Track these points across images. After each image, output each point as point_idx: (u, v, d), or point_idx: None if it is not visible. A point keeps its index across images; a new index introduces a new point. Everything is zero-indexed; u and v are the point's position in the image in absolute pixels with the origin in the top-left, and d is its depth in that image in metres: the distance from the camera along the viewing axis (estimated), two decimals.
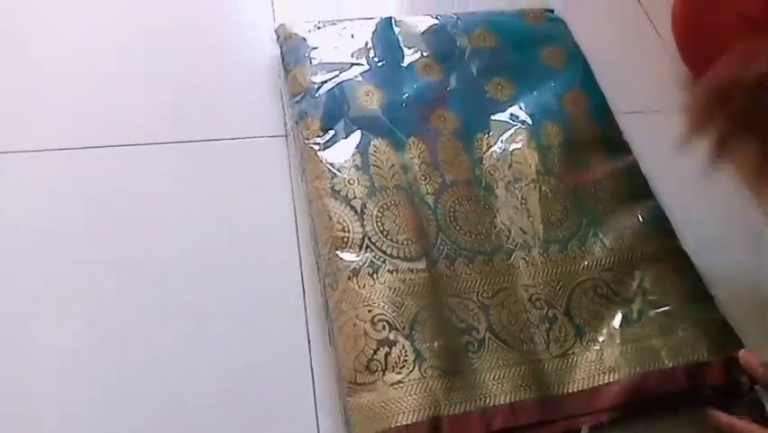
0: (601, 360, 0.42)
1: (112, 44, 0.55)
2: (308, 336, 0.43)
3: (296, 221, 0.47)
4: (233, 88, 0.53)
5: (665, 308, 0.44)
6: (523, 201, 0.48)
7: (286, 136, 0.51)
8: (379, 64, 0.53)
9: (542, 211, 0.48)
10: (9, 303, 0.42)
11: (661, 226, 0.48)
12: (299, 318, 0.43)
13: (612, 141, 0.53)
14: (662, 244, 0.47)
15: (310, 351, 0.42)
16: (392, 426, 0.37)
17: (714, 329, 0.43)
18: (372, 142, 0.48)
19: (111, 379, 0.40)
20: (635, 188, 0.50)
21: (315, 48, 0.53)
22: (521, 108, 0.53)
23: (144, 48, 0.55)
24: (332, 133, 0.48)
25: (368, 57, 0.53)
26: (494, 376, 0.40)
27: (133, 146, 0.49)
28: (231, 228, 0.46)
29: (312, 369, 0.42)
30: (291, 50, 0.53)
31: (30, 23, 0.55)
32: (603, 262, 0.46)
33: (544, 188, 0.48)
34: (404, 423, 0.37)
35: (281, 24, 0.54)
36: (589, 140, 0.52)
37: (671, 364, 0.41)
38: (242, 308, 0.43)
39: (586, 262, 0.46)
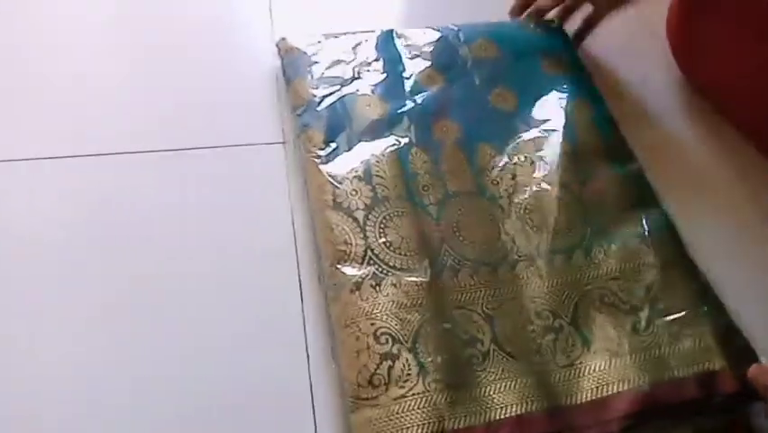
0: (610, 369, 0.41)
1: (107, 52, 0.55)
2: (307, 351, 0.42)
3: (293, 229, 0.47)
4: (230, 95, 0.53)
5: (675, 316, 0.43)
6: (527, 211, 0.48)
7: (284, 143, 0.51)
8: (382, 77, 0.53)
9: (546, 221, 0.47)
10: (5, 311, 0.42)
11: (667, 234, 0.48)
12: (298, 332, 0.43)
13: (616, 149, 0.52)
14: (669, 252, 0.47)
15: (309, 366, 0.42)
16: None
17: (725, 336, 0.43)
18: (375, 154, 0.48)
19: (107, 390, 0.40)
20: (641, 195, 0.50)
21: (317, 62, 0.53)
22: (524, 118, 0.53)
23: (138, 55, 0.55)
24: (333, 145, 0.48)
25: (370, 70, 0.53)
26: (499, 388, 0.40)
27: (128, 154, 0.49)
28: (227, 237, 0.46)
29: (311, 385, 0.41)
30: (292, 64, 0.53)
31: (29, 35, 0.55)
32: (609, 271, 0.45)
33: (547, 198, 0.48)
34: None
35: (282, 38, 0.55)
36: (593, 149, 0.52)
37: (681, 374, 0.41)
38: (237, 320, 0.43)
39: (592, 272, 0.45)
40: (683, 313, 0.43)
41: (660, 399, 0.40)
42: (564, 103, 0.54)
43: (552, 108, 0.54)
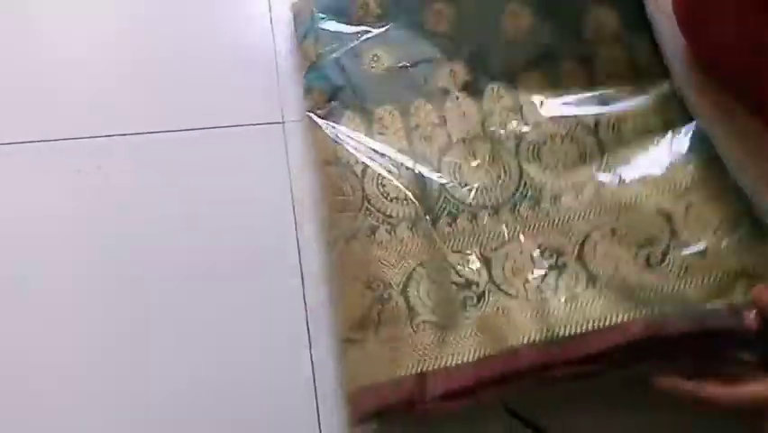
0: (615, 303, 0.39)
1: (103, 35, 0.53)
2: (308, 328, 0.43)
3: (293, 209, 0.47)
4: (227, 76, 0.52)
5: (696, 249, 0.40)
6: (535, 150, 0.46)
7: (282, 123, 0.51)
8: (386, 25, 0.51)
9: (555, 158, 0.45)
10: None
11: (699, 155, 0.43)
12: (298, 310, 0.43)
13: (645, 67, 0.47)
14: (699, 174, 0.42)
15: (310, 346, 0.42)
16: (378, 381, 0.39)
17: (755, 269, 0.38)
18: (377, 110, 0.48)
19: (106, 381, 0.41)
20: (668, 118, 0.45)
21: (323, 17, 0.52)
22: (538, 41, 0.49)
23: (138, 39, 0.53)
24: (335, 103, 0.49)
25: (376, 16, 0.51)
26: (494, 324, 0.39)
27: (122, 136, 0.49)
28: (225, 218, 0.46)
29: (314, 376, 0.42)
30: (301, 23, 0.53)
31: (21, 12, 0.54)
32: (624, 203, 0.42)
33: (558, 134, 0.45)
34: (390, 378, 0.39)
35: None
36: (617, 70, 0.47)
37: (697, 310, 0.38)
38: (238, 301, 0.44)
39: (604, 205, 0.43)
40: (709, 242, 0.40)
41: (672, 333, 0.37)
42: (586, 11, 0.49)
43: (571, 24, 0.49)
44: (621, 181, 0.43)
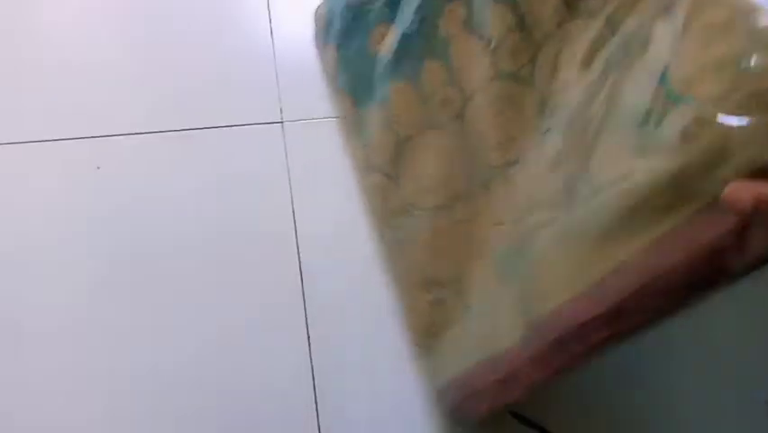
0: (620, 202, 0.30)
1: (100, 31, 0.54)
2: (307, 330, 0.44)
3: (293, 207, 0.47)
4: (227, 76, 0.52)
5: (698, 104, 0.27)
6: (556, 70, 0.39)
7: (281, 123, 0.51)
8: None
9: (579, 73, 0.37)
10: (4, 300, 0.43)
11: None
12: (297, 308, 0.44)
13: None
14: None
15: (309, 346, 0.43)
16: (454, 376, 0.40)
17: None
18: (391, 91, 0.46)
19: (105, 380, 0.41)
20: None
21: (333, 17, 0.51)
22: None
23: (138, 41, 0.54)
24: (361, 106, 0.49)
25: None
26: (533, 293, 0.36)
27: (122, 136, 0.49)
28: (227, 217, 0.47)
29: (312, 367, 0.43)
30: (320, 32, 0.53)
31: (30, 13, 0.54)
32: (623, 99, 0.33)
33: (581, 39, 0.37)
34: (461, 370, 0.40)
35: (318, 6, 0.54)
36: None
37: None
38: (237, 302, 0.44)
39: (610, 111, 0.34)
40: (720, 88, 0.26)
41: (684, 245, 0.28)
42: None
43: None
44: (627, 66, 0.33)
